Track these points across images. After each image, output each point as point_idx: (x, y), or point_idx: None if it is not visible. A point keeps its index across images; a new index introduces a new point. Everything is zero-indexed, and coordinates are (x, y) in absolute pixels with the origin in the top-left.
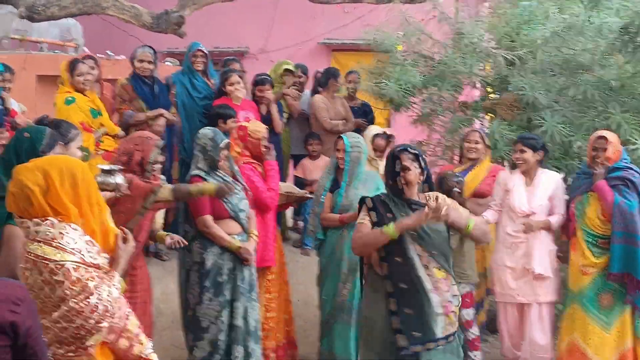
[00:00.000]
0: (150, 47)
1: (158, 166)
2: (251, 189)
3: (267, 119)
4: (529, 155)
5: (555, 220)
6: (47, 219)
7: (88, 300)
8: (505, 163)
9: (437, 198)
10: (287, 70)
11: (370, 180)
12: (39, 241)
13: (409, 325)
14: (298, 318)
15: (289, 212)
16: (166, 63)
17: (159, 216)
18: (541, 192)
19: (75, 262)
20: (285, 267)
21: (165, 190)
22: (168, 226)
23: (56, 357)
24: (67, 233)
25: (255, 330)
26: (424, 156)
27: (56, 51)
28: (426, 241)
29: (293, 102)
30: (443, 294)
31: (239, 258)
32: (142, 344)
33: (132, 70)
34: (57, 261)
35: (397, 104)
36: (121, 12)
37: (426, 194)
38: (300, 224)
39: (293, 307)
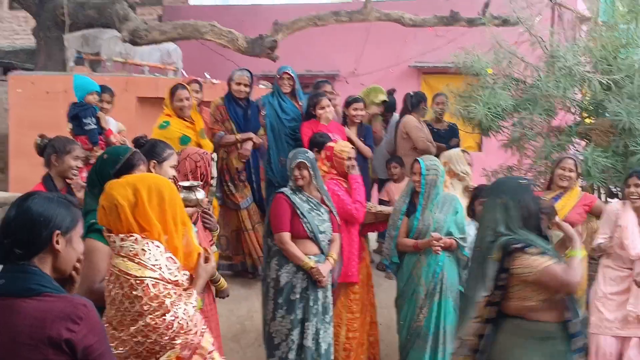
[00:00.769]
0: (247, 70)
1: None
2: (336, 202)
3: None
4: None
5: None
6: (131, 235)
7: (164, 317)
8: (600, 191)
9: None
10: (383, 101)
11: (447, 203)
12: (124, 256)
13: None
14: (380, 342)
15: (373, 234)
16: (260, 86)
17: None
18: None
19: (155, 278)
20: (372, 289)
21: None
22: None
23: None
24: (149, 250)
25: (327, 353)
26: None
27: (156, 74)
28: None
29: (378, 129)
30: None
31: (312, 278)
32: None
33: (227, 91)
34: (137, 277)
35: (485, 128)
36: (218, 36)
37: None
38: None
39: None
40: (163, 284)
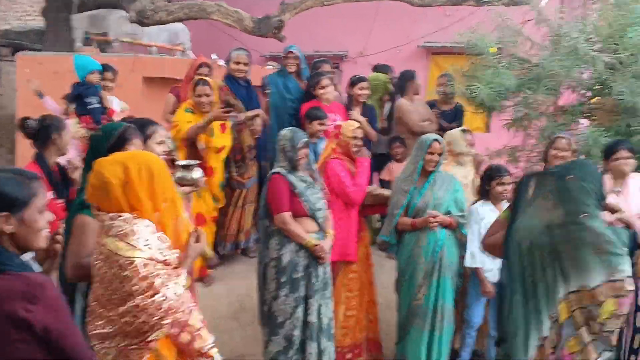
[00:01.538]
0: (244, 49)
1: None
2: (336, 182)
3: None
4: None
5: None
6: (121, 215)
7: (153, 298)
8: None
9: None
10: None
11: (447, 182)
12: (113, 236)
13: None
14: (380, 321)
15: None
16: (267, 67)
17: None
18: None
19: (145, 258)
20: (371, 269)
21: None
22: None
23: (120, 349)
24: (139, 229)
25: (328, 327)
26: None
27: (163, 54)
28: None
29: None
30: None
31: (313, 255)
32: (203, 339)
33: (225, 72)
34: (127, 257)
35: (488, 107)
36: (225, 16)
37: None
38: None
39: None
40: (153, 264)
